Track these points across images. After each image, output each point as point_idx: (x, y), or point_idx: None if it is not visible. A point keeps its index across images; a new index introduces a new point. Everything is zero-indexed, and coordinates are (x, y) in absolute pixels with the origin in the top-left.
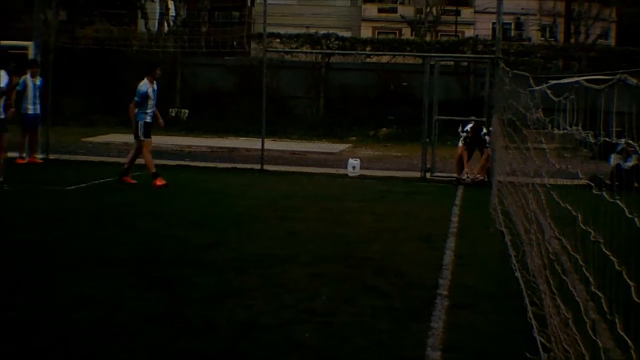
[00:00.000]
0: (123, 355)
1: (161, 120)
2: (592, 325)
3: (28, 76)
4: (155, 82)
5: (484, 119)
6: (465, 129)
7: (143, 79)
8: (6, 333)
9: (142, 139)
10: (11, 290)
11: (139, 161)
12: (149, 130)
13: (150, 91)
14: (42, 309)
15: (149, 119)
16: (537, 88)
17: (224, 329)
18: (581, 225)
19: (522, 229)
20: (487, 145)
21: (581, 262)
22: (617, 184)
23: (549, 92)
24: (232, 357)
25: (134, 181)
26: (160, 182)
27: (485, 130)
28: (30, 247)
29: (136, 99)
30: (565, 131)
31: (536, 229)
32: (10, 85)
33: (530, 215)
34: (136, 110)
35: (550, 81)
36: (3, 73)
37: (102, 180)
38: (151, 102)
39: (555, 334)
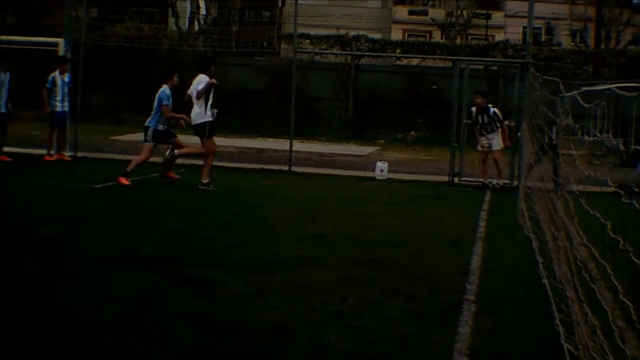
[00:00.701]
0: (149, 354)
1: (187, 118)
2: (620, 334)
3: (57, 73)
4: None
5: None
6: (469, 110)
7: (162, 86)
8: (32, 329)
9: (150, 142)
10: (38, 286)
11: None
12: (159, 135)
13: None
14: (69, 305)
15: (161, 127)
16: (568, 94)
17: (250, 329)
18: (610, 233)
19: (549, 235)
20: (499, 123)
21: (609, 270)
22: None
23: (578, 98)
24: (258, 358)
25: (177, 176)
26: (126, 182)
27: (493, 108)
28: (58, 244)
29: (166, 103)
30: (595, 138)
31: (564, 236)
32: None
33: (558, 221)
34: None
35: (582, 87)
36: None
37: (130, 179)
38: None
39: (583, 341)
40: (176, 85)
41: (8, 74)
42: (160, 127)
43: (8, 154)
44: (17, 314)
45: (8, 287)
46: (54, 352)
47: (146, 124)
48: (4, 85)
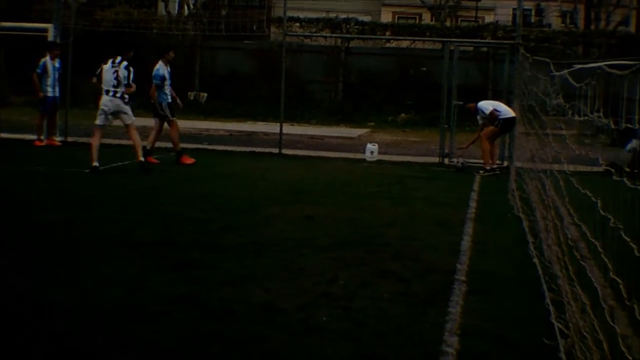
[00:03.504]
0: (144, 336)
1: (179, 102)
2: (610, 312)
3: (47, 58)
4: (168, 64)
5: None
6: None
7: (157, 62)
8: (30, 314)
9: (171, 118)
10: (34, 271)
11: (157, 144)
12: (172, 109)
13: (165, 73)
14: (65, 289)
15: (170, 99)
16: (558, 73)
17: (242, 311)
18: (600, 211)
19: (539, 215)
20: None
21: (600, 249)
22: (636, 170)
23: (569, 77)
24: (251, 340)
25: (157, 161)
26: (188, 161)
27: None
28: (52, 229)
29: (156, 81)
30: (586, 117)
31: (553, 215)
32: None
33: (548, 201)
34: (157, 93)
35: (574, 65)
36: None
37: (120, 163)
38: (167, 83)
39: (573, 320)
40: (171, 60)
41: None
42: (170, 99)
43: None
44: (15, 299)
45: (14, 270)
46: (51, 335)
47: (159, 101)
48: None
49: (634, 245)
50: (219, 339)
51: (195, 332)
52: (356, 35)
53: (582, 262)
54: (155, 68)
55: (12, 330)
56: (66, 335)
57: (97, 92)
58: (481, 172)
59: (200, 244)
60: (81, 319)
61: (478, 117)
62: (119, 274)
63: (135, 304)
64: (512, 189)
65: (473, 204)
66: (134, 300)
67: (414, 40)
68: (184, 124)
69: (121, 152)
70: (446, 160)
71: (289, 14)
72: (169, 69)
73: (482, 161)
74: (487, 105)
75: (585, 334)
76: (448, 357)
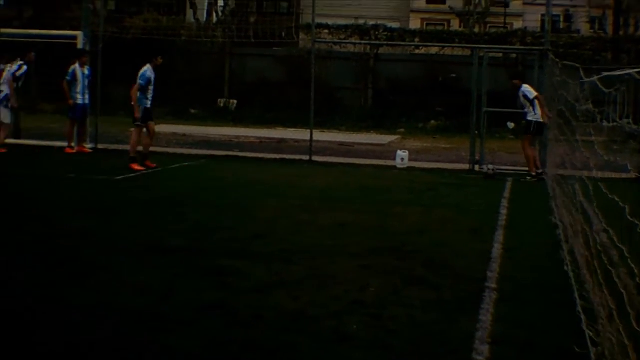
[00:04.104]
0: (175, 344)
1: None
2: (636, 316)
3: (77, 66)
4: (155, 70)
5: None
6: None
7: (145, 65)
8: (61, 320)
9: (140, 124)
10: (64, 277)
11: (187, 151)
12: (148, 115)
13: (152, 76)
14: (96, 295)
15: (149, 104)
16: (588, 79)
17: (272, 319)
18: (628, 217)
19: (567, 221)
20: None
21: (626, 254)
22: None
23: (598, 83)
24: (280, 348)
25: (153, 165)
26: (136, 167)
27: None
28: (82, 235)
29: (141, 82)
30: (615, 124)
31: (582, 221)
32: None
33: (577, 207)
34: (138, 95)
35: (603, 72)
36: None
37: (150, 170)
38: (151, 88)
39: (603, 327)
40: (159, 65)
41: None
42: (149, 105)
43: (26, 146)
44: (45, 304)
45: (45, 276)
46: (86, 340)
47: (138, 103)
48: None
49: None
50: (247, 346)
51: (224, 340)
52: (385, 42)
53: (609, 267)
54: (143, 70)
55: (42, 334)
56: (96, 342)
57: (128, 100)
58: (528, 178)
59: (230, 251)
60: (111, 325)
61: (519, 95)
62: (149, 281)
63: (165, 311)
64: (552, 194)
65: (504, 211)
66: (163, 307)
67: (443, 47)
68: (214, 131)
69: (151, 159)
70: (477, 167)
71: (318, 20)
72: (154, 74)
73: (513, 168)
74: (532, 90)
75: (612, 339)
76: None
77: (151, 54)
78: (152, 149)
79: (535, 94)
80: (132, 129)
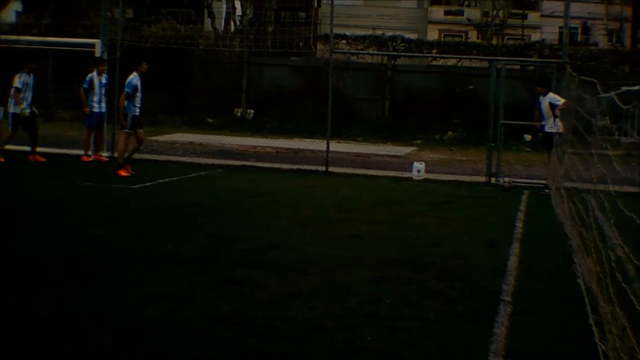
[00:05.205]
0: (189, 353)
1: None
2: None
3: (94, 74)
4: (141, 76)
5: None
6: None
7: (132, 72)
8: (74, 326)
9: (128, 130)
10: (81, 285)
11: (204, 160)
12: (137, 123)
13: (139, 83)
14: (111, 304)
15: (137, 112)
16: (605, 95)
17: (287, 330)
18: None
19: (576, 235)
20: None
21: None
22: None
23: (616, 98)
24: (295, 358)
25: (132, 172)
26: (124, 173)
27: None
28: (98, 243)
29: (127, 90)
30: (633, 139)
31: (595, 235)
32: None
33: (589, 221)
34: (126, 102)
35: (621, 87)
36: None
37: (167, 179)
38: (139, 95)
39: (615, 341)
40: (144, 72)
41: (32, 76)
42: (137, 112)
43: (43, 154)
44: (60, 311)
45: (60, 284)
46: (100, 349)
47: (125, 111)
48: (29, 87)
49: None
50: (262, 357)
51: (238, 350)
52: (402, 53)
53: (623, 284)
54: (130, 77)
55: (55, 342)
56: (109, 349)
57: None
58: (546, 190)
59: (246, 261)
60: (125, 333)
61: (541, 101)
62: (164, 290)
63: (180, 321)
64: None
65: (520, 224)
66: (178, 317)
67: (461, 59)
68: (231, 141)
69: (167, 169)
70: (493, 180)
71: (336, 31)
72: (141, 81)
73: (529, 181)
74: (558, 97)
75: (622, 355)
76: None
77: (137, 60)
78: (165, 157)
79: (562, 100)
80: (120, 135)
